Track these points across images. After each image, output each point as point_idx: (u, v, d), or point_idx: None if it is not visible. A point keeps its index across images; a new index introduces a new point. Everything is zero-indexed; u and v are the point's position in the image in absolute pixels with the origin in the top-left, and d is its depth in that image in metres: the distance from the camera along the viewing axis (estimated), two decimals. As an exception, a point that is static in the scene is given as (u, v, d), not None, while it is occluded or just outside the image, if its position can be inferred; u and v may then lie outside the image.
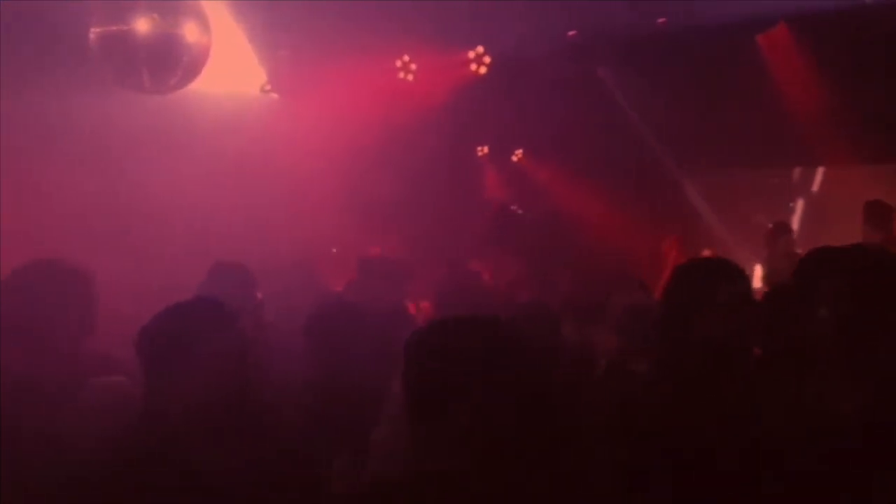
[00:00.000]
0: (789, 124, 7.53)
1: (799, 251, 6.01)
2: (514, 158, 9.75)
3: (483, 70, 7.66)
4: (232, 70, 7.00)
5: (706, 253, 6.98)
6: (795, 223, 8.60)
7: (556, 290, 5.60)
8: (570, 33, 7.41)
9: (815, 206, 9.28)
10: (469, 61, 7.66)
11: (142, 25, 4.75)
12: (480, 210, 9.45)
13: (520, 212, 9.87)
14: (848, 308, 1.91)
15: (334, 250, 7.44)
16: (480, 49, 7.64)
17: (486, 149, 9.67)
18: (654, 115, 8.60)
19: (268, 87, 7.77)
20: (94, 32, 4.80)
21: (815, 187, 9.46)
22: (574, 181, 9.11)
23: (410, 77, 7.74)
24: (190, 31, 4.96)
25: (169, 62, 4.95)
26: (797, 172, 9.52)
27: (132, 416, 2.24)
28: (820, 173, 9.43)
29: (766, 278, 6.22)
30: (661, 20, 7.25)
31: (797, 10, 6.87)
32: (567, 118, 8.23)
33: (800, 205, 9.40)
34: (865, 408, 1.86)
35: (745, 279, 2.24)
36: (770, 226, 6.98)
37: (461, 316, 1.88)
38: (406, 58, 7.73)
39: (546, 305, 3.77)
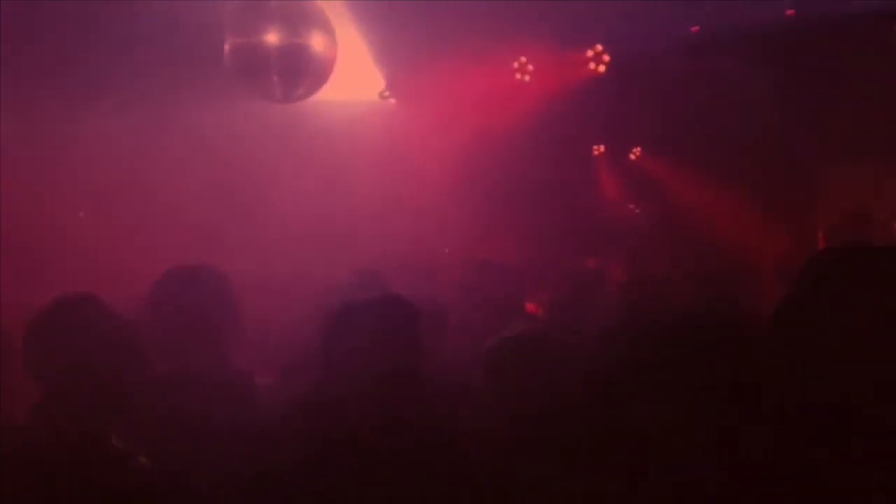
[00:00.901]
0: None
1: None
2: (632, 157, 9.59)
3: (602, 69, 7.55)
4: (351, 77, 7.13)
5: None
6: None
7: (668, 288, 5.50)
8: (693, 28, 7.21)
9: None
10: (587, 60, 7.56)
11: (272, 36, 4.90)
12: (597, 209, 9.34)
13: (637, 210, 9.71)
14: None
15: (447, 250, 7.49)
16: (599, 47, 7.53)
17: (602, 148, 9.55)
18: (780, 109, 8.30)
19: (386, 93, 7.88)
20: (228, 44, 4.98)
21: None
22: (694, 179, 8.89)
23: (527, 78, 7.70)
24: (317, 42, 5.08)
25: (298, 72, 5.08)
26: None
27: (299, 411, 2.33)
28: None
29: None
30: (789, 11, 6.97)
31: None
32: (688, 115, 8.04)
33: None
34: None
35: None
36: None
37: None
38: (523, 59, 7.70)
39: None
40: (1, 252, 5.34)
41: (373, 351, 2.26)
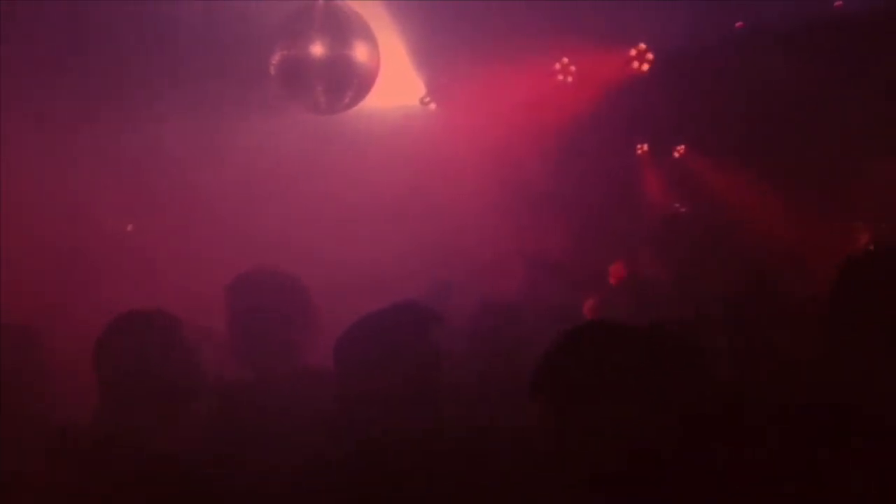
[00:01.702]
0: None
1: None
2: (676, 155, 9.46)
3: (646, 67, 7.46)
4: (392, 83, 7.12)
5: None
6: None
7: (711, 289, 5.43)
8: (738, 24, 7.10)
9: None
10: (631, 59, 7.48)
11: (317, 49, 4.91)
12: (641, 209, 9.23)
13: (682, 210, 9.56)
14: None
15: (497, 253, 7.45)
16: (643, 46, 7.44)
17: (645, 146, 9.44)
18: (827, 103, 8.12)
19: (427, 99, 7.86)
20: (273, 57, 5.00)
21: None
22: (739, 176, 8.74)
23: (570, 79, 7.63)
24: (360, 52, 5.09)
25: (342, 83, 5.10)
26: None
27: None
28: None
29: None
30: (837, 3, 6.83)
31: None
32: (733, 112, 7.90)
33: None
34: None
35: None
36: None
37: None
38: (565, 60, 7.63)
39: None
40: (54, 264, 5.45)
41: (386, 360, 2.21)
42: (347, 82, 5.14)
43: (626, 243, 7.97)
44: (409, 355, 2.23)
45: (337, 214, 6.82)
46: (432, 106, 7.93)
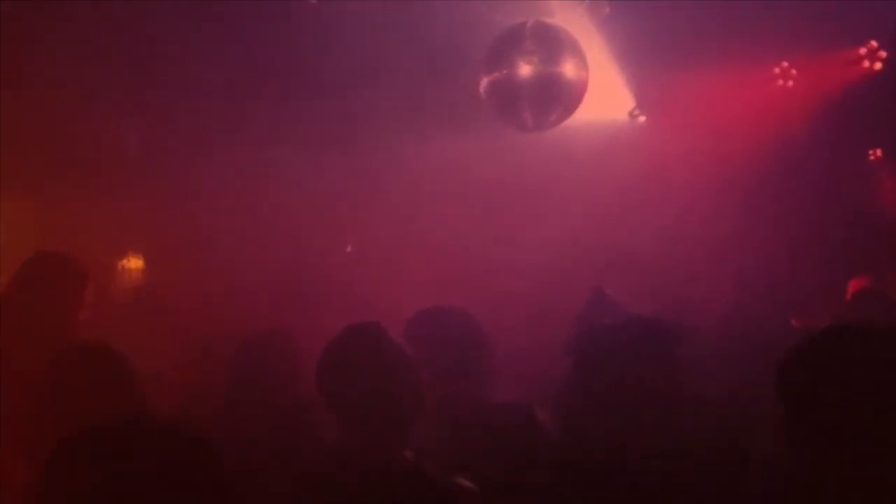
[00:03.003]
0: None
1: None
2: (917, 160, 8.63)
3: (878, 66, 6.88)
4: (599, 96, 7.01)
5: None
6: None
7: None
8: None
9: None
10: (860, 58, 6.92)
11: (524, 68, 4.94)
12: (877, 219, 8.50)
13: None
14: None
15: (708, 271, 7.12)
16: (874, 44, 6.87)
17: (878, 151, 8.68)
18: None
19: (636, 112, 7.67)
20: (483, 78, 5.09)
21: None
22: None
23: (791, 83, 7.18)
24: (569, 69, 5.06)
25: (549, 100, 5.11)
26: None
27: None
28: None
29: None
30: None
31: None
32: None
33: None
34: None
35: None
36: None
37: None
38: (785, 64, 7.20)
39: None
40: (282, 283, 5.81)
41: (631, 373, 2.20)
42: (555, 100, 5.14)
43: (861, 258, 7.39)
44: (654, 369, 2.22)
45: (543, 231, 6.81)
46: (642, 119, 7.73)
